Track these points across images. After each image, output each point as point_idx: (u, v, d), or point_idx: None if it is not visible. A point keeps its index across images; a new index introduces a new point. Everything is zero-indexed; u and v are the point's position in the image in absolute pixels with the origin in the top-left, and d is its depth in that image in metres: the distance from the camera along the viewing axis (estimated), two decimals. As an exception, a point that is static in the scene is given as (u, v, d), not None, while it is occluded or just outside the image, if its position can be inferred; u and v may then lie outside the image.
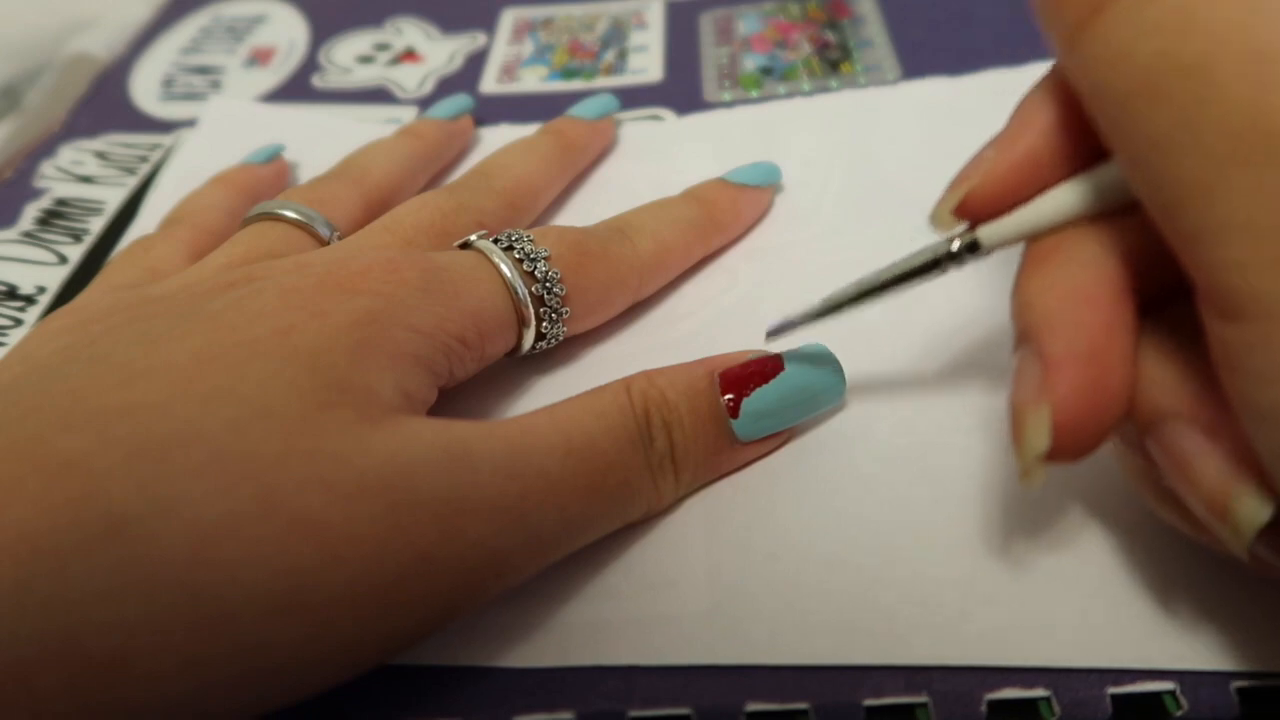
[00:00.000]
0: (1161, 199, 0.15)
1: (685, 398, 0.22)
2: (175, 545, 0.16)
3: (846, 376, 0.23)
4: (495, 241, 0.24)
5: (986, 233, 0.19)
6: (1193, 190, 0.14)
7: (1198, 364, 0.16)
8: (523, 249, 0.24)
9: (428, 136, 0.32)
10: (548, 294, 0.23)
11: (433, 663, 0.20)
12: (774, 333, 0.22)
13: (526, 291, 0.23)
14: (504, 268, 0.23)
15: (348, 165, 0.30)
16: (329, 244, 0.26)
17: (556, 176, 0.31)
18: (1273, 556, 0.16)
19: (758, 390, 0.22)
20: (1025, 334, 0.17)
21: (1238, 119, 0.13)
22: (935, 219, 0.19)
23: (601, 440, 0.20)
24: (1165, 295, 0.17)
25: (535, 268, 0.23)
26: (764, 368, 0.22)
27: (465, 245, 0.24)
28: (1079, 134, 0.17)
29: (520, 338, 0.24)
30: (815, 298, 0.21)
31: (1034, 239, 0.18)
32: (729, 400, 0.22)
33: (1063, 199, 0.18)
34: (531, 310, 0.23)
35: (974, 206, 0.18)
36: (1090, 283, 0.17)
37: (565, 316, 0.24)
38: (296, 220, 0.26)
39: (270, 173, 0.32)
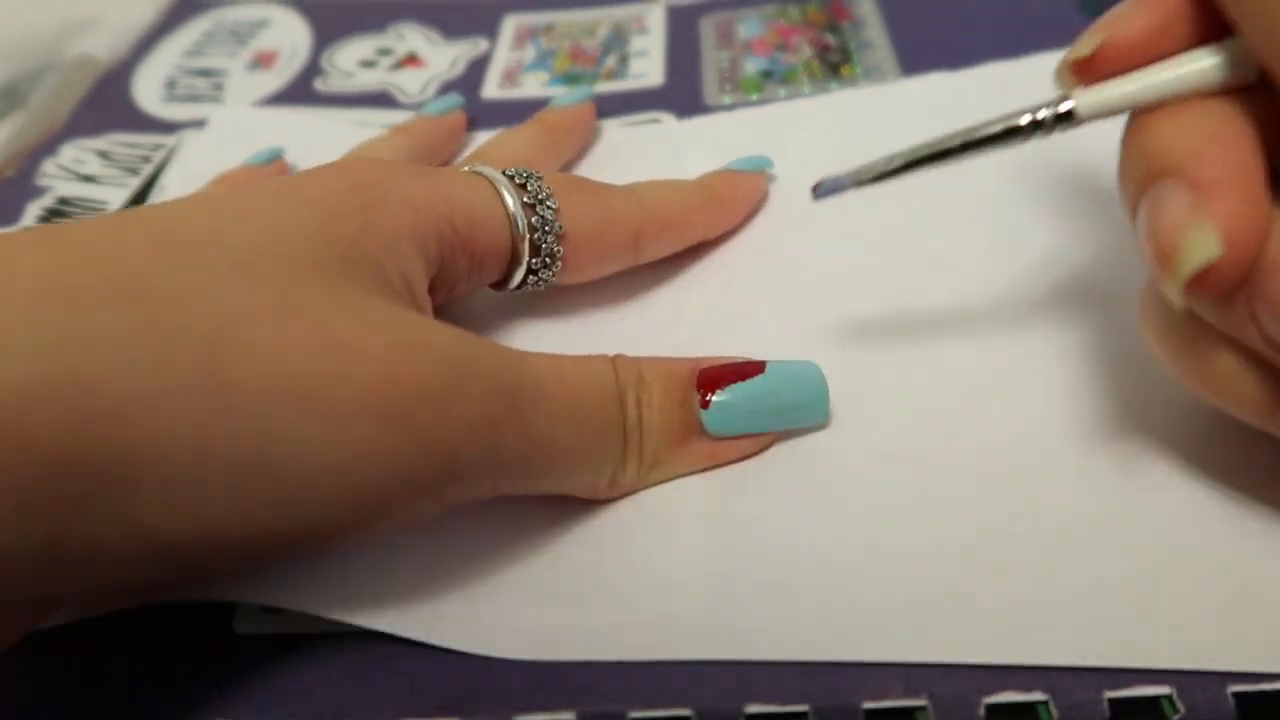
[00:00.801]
0: None
1: (660, 380, 0.22)
2: (195, 320, 0.16)
3: (844, 376, 0.23)
4: None
5: (1085, 101, 0.18)
6: None
7: None
8: (515, 170, 0.24)
9: (418, 131, 0.33)
10: (539, 204, 0.24)
11: (432, 655, 0.20)
12: (822, 192, 0.21)
13: (518, 201, 0.24)
14: (496, 180, 0.24)
15: None
16: None
17: (543, 157, 0.32)
18: None
19: (730, 386, 0.22)
20: (1166, 169, 0.17)
21: None
22: (1059, 74, 0.19)
23: (588, 382, 0.21)
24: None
25: (528, 182, 0.24)
26: (743, 369, 0.23)
27: None
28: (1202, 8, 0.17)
29: (514, 257, 0.24)
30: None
31: (1136, 112, 0.18)
32: (703, 393, 0.22)
33: (1182, 69, 0.17)
34: (523, 219, 0.24)
35: (1108, 58, 0.18)
36: (1229, 133, 0.17)
37: (559, 232, 0.24)
38: None
39: (271, 173, 0.33)
